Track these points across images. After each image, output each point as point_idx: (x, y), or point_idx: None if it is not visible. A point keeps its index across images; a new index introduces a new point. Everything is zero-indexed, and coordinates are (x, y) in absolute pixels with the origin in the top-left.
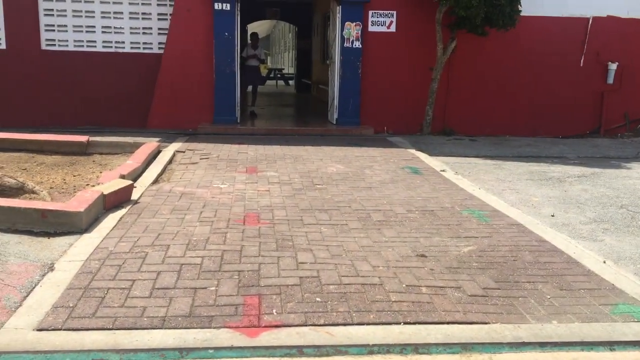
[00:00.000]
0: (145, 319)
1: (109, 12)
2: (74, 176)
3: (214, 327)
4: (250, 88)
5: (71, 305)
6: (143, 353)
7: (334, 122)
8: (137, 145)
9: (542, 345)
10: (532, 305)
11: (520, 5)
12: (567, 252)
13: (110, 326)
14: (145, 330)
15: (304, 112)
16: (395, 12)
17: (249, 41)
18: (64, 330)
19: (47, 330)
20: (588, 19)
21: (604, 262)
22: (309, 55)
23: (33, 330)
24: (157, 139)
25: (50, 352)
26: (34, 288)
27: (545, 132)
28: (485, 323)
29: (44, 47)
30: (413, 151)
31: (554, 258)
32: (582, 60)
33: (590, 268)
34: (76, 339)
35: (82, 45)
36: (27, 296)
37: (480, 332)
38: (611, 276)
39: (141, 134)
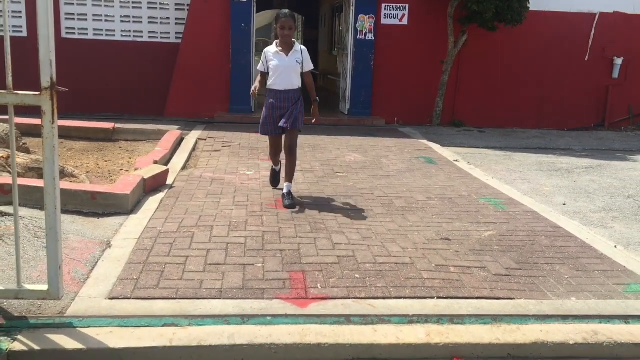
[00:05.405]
0: (204, 290)
1: (128, 2)
2: (106, 161)
3: (267, 298)
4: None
5: (135, 277)
6: (209, 318)
7: (346, 113)
8: (161, 133)
9: (564, 318)
10: (551, 284)
11: (529, 2)
12: (580, 237)
13: (174, 296)
14: (206, 300)
15: None
16: (407, 5)
17: (277, 35)
18: (133, 299)
19: (117, 299)
20: (595, 14)
21: (615, 246)
22: (316, 45)
23: (105, 299)
24: (177, 126)
25: (127, 317)
26: (97, 262)
27: (551, 124)
28: (511, 299)
29: (64, 35)
30: (425, 142)
31: (569, 243)
32: (587, 55)
33: (603, 252)
34: (146, 307)
35: (102, 34)
36: (92, 269)
37: (507, 306)
38: (622, 259)
39: (160, 121)
